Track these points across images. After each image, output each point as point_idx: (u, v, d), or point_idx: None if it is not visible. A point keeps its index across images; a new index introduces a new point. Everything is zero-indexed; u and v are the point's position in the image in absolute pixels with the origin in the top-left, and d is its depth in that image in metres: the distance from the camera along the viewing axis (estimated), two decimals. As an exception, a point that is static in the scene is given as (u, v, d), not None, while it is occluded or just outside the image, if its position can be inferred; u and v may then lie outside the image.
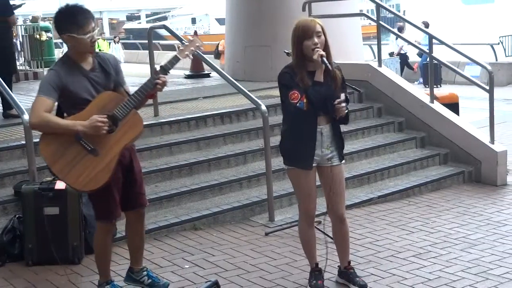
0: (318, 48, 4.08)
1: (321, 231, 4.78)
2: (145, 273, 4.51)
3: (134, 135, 4.01)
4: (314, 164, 4.27)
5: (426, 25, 15.68)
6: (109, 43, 25.31)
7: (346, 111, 4.16)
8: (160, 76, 3.98)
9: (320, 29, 4.13)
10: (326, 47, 4.17)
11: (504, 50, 17.89)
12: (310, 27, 4.12)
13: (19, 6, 8.33)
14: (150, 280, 4.49)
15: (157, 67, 4.04)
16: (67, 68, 3.95)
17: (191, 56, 4.19)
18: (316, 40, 4.10)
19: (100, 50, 21.15)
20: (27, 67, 12.96)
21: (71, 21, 3.90)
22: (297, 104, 4.07)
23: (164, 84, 4.01)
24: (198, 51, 4.23)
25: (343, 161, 4.39)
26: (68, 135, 3.85)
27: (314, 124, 4.19)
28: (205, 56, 7.95)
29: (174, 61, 4.05)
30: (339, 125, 4.32)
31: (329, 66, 4.08)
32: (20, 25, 14.55)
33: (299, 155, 4.26)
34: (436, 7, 31.91)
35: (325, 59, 4.07)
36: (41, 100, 3.84)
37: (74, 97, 3.92)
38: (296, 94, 4.07)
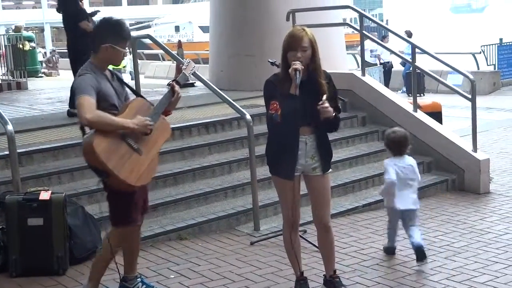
0: (295, 62, 4.06)
1: (306, 239, 4.80)
2: (139, 279, 4.53)
3: (167, 137, 4.32)
4: (297, 173, 4.28)
5: (409, 34, 15.81)
6: None
7: (334, 114, 4.16)
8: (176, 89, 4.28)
9: (306, 44, 4.11)
10: (314, 60, 4.16)
11: (486, 59, 18.06)
12: (296, 40, 4.11)
13: (94, 13, 8.53)
14: (144, 287, 4.51)
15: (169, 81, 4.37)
16: (97, 73, 4.12)
17: (190, 76, 4.55)
18: (299, 54, 4.10)
19: None
20: (10, 77, 12.87)
21: (118, 33, 4.15)
22: (273, 115, 4.09)
23: (179, 95, 4.30)
24: (192, 73, 4.59)
25: (330, 170, 4.40)
26: (115, 134, 3.98)
27: (293, 135, 4.18)
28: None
29: (183, 77, 4.41)
30: (327, 134, 4.33)
31: (296, 82, 4.03)
32: (3, 35, 14.47)
33: (281, 165, 4.27)
34: (424, 16, 32.08)
35: (297, 73, 4.03)
36: (88, 99, 3.94)
37: (104, 101, 4.06)
38: (275, 105, 4.07)
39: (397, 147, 5.23)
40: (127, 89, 4.39)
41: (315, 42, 4.18)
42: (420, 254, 5.02)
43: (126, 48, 4.26)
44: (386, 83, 16.34)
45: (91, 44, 4.23)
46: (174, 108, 4.40)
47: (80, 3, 8.60)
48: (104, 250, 4.31)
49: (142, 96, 4.36)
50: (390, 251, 5.35)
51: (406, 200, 5.11)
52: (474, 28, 17.65)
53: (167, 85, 4.34)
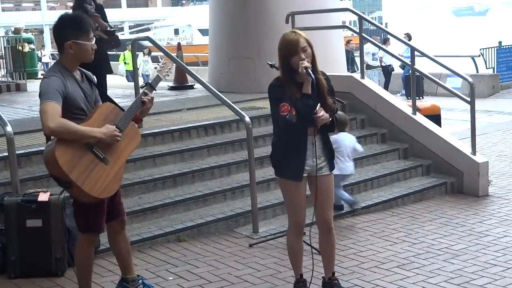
0: (302, 61, 4.10)
1: (306, 243, 4.79)
2: (140, 281, 4.50)
3: (136, 145, 4.17)
4: (304, 175, 4.29)
5: (409, 37, 15.82)
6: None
7: (330, 118, 4.19)
8: (146, 95, 4.12)
9: (305, 43, 4.15)
10: (312, 59, 4.19)
11: (485, 62, 18.07)
12: (294, 44, 4.14)
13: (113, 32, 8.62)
14: None
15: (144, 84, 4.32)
16: (65, 76, 3.97)
17: (167, 76, 4.38)
18: (302, 55, 4.12)
19: (125, 62, 20.76)
20: (9, 79, 12.86)
21: (76, 27, 3.97)
22: (287, 117, 4.10)
23: (151, 101, 4.14)
24: (169, 73, 4.45)
25: (333, 170, 4.42)
26: (81, 143, 3.86)
27: (304, 136, 4.22)
28: (188, 67, 7.97)
29: (157, 80, 4.28)
30: (327, 134, 4.35)
31: (312, 77, 4.10)
32: (2, 37, 14.46)
33: (290, 166, 4.28)
34: (426, 19, 32.16)
35: (309, 70, 4.10)
36: (53, 105, 3.79)
37: (71, 105, 3.93)
38: (286, 107, 4.09)
39: (340, 125, 6.24)
40: (97, 91, 4.24)
41: (310, 40, 4.21)
42: (353, 204, 6.50)
43: (92, 40, 4.00)
44: (386, 86, 16.34)
45: (57, 45, 4.07)
46: (145, 115, 4.25)
47: (90, 6, 8.60)
48: (76, 261, 4.28)
49: (112, 101, 4.28)
50: (338, 208, 6.32)
51: (347, 168, 6.36)
52: (477, 31, 17.68)
53: (141, 87, 4.28)
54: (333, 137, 5.80)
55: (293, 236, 4.45)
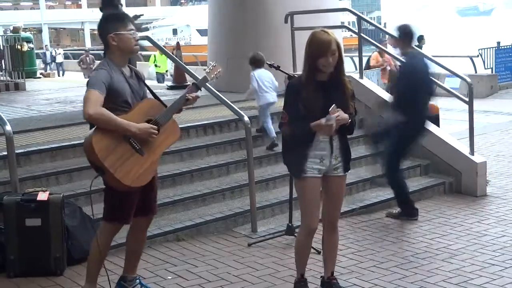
0: (331, 119, 4.05)
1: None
2: (137, 281, 4.53)
3: (173, 140, 4.32)
4: (320, 175, 4.29)
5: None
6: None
7: (350, 120, 4.21)
8: (192, 94, 4.28)
9: (335, 47, 4.12)
10: (341, 61, 4.19)
11: (484, 62, 18.08)
12: (326, 45, 4.10)
13: (138, 16, 8.71)
14: None
15: (190, 84, 4.42)
16: (114, 70, 4.10)
17: (215, 79, 4.57)
18: (330, 59, 4.11)
19: (156, 65, 20.64)
20: (8, 78, 12.87)
21: (115, 20, 4.16)
22: (280, 128, 4.30)
23: (195, 99, 4.30)
24: (218, 76, 4.55)
25: (349, 170, 4.43)
26: (118, 133, 3.97)
27: (310, 134, 4.19)
28: (187, 67, 7.98)
29: (204, 81, 4.40)
30: (346, 135, 4.36)
31: (326, 126, 4.07)
32: (1, 36, 14.46)
33: (292, 161, 4.30)
34: (430, 19, 32.11)
35: (329, 124, 4.06)
36: (95, 94, 3.93)
37: (116, 98, 4.04)
38: (285, 116, 4.22)
39: (257, 63, 7.43)
40: (145, 88, 4.37)
41: (339, 42, 4.20)
42: (272, 141, 7.17)
43: (131, 28, 4.16)
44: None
45: (103, 42, 4.25)
46: (190, 104, 4.39)
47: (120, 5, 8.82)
48: (93, 249, 4.30)
49: (157, 97, 4.35)
50: (273, 145, 7.12)
51: (268, 97, 7.36)
52: (481, 31, 17.67)
53: (187, 87, 4.36)
54: (251, 75, 7.39)
55: (303, 236, 4.44)
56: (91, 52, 25.33)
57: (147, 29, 49.06)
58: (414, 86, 6.12)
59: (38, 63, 28.07)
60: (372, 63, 14.17)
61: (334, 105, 4.10)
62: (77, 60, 21.70)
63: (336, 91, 4.20)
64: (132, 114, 4.07)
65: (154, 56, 19.95)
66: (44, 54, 29.82)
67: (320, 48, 4.12)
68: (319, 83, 4.19)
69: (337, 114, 4.10)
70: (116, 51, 4.15)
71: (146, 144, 4.06)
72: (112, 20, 4.19)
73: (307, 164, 4.24)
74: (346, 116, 4.16)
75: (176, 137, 4.34)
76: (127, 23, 4.16)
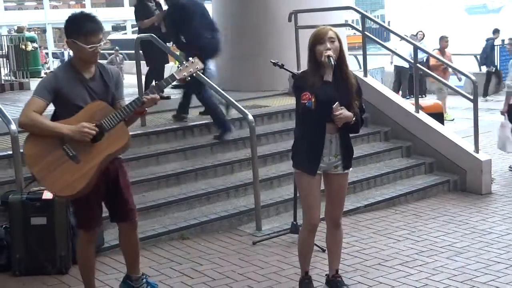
0: (327, 50, 4.12)
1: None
2: (144, 280, 4.51)
3: (118, 147, 4.00)
4: (319, 171, 4.30)
5: (423, 35, 15.95)
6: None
7: (354, 118, 4.20)
8: (148, 94, 4.00)
9: (333, 35, 4.17)
10: (341, 54, 4.21)
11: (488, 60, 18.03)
12: (322, 33, 4.18)
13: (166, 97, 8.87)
14: (149, 287, 4.50)
15: (153, 84, 4.11)
16: (66, 73, 4.00)
17: (189, 78, 4.19)
18: (328, 45, 4.14)
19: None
20: (13, 78, 12.90)
21: (77, 28, 3.95)
22: (306, 104, 4.10)
23: (152, 101, 4.01)
24: (197, 73, 4.27)
25: (350, 169, 4.43)
26: (54, 139, 3.87)
27: (322, 131, 4.20)
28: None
29: (170, 79, 4.11)
30: (348, 133, 4.36)
31: (332, 63, 4.10)
32: (6, 36, 14.49)
33: (305, 159, 4.28)
34: (438, 17, 31.95)
35: (332, 59, 4.10)
36: (33, 101, 3.88)
37: (67, 103, 3.94)
38: (307, 95, 4.10)
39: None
40: (122, 92, 4.19)
41: (340, 38, 4.23)
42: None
43: (98, 43, 3.93)
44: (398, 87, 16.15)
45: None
46: (147, 107, 4.09)
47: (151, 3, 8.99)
48: (78, 259, 4.34)
49: (120, 104, 4.11)
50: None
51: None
52: (490, 29, 17.58)
53: (143, 94, 4.06)
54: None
55: (305, 233, 4.45)
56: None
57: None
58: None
59: (56, 63, 28.11)
60: (432, 62, 12.83)
61: (337, 102, 4.11)
62: (107, 61, 21.38)
63: (341, 89, 4.19)
64: (76, 117, 3.90)
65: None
66: (62, 53, 29.41)
67: (316, 36, 4.19)
68: (324, 82, 4.18)
69: (340, 112, 4.10)
70: (75, 56, 4.02)
71: (84, 151, 3.88)
72: (75, 25, 3.96)
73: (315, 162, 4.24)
74: (349, 114, 4.16)
75: (122, 143, 4.00)
76: (89, 34, 3.91)
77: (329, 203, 4.44)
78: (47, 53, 31.31)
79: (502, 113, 8.50)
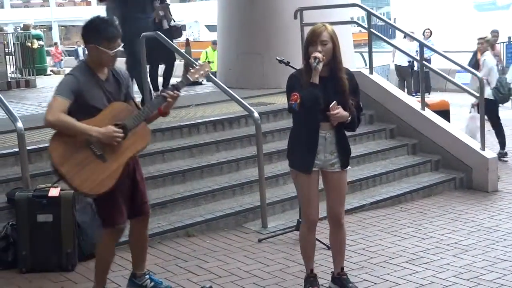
0: (315, 52, 4.11)
1: (317, 239, 4.80)
2: (147, 276, 4.55)
3: (142, 146, 4.17)
4: (315, 169, 4.30)
5: (430, 33, 15.89)
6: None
7: (350, 118, 4.20)
8: (169, 92, 4.14)
9: (326, 38, 4.16)
10: (335, 55, 4.20)
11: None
12: (316, 34, 4.17)
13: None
14: (152, 283, 4.53)
15: (170, 86, 4.26)
16: (84, 76, 4.06)
17: (200, 80, 4.43)
18: (319, 48, 4.14)
19: (208, 61, 20.10)
20: (19, 75, 12.92)
21: (99, 33, 4.03)
22: (292, 105, 4.11)
23: (174, 97, 4.14)
24: (205, 75, 4.46)
25: (348, 167, 4.42)
26: (79, 138, 3.93)
27: (315, 129, 4.22)
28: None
29: (184, 81, 4.24)
30: (344, 131, 4.36)
31: (316, 69, 4.09)
32: (12, 33, 14.51)
33: (300, 158, 4.30)
34: (446, 15, 31.71)
35: (317, 61, 4.08)
36: (58, 100, 3.93)
37: (86, 105, 4.01)
38: (295, 96, 4.10)
39: None
40: (132, 92, 4.32)
41: (336, 38, 4.22)
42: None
43: (117, 48, 4.06)
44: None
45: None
46: (169, 109, 4.24)
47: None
48: (98, 255, 4.36)
49: (134, 101, 4.27)
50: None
51: None
52: (499, 26, 17.46)
53: (160, 92, 4.22)
54: None
55: (305, 230, 4.46)
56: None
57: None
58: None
59: (69, 60, 27.99)
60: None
61: (335, 102, 4.12)
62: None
63: (334, 88, 4.19)
64: (99, 118, 3.99)
65: (206, 52, 18.95)
66: (76, 51, 29.18)
67: (310, 37, 4.19)
68: (311, 84, 4.15)
69: (337, 111, 4.11)
70: (94, 60, 4.10)
71: (109, 150, 3.97)
72: (97, 30, 4.05)
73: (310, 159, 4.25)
74: (345, 113, 4.18)
75: (145, 142, 4.19)
76: (112, 39, 4.04)
77: (329, 201, 4.44)
78: (64, 51, 31.12)
79: (473, 105, 8.80)
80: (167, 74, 9.25)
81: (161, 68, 9.36)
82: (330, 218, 4.48)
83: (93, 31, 4.06)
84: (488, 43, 9.76)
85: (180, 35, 9.56)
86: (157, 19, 9.02)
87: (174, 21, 9.20)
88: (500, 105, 9.17)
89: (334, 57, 4.20)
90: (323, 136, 4.25)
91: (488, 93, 8.37)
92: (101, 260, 4.35)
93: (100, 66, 4.11)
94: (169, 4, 9.45)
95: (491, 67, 8.84)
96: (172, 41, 8.67)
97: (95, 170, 3.94)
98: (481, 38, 9.90)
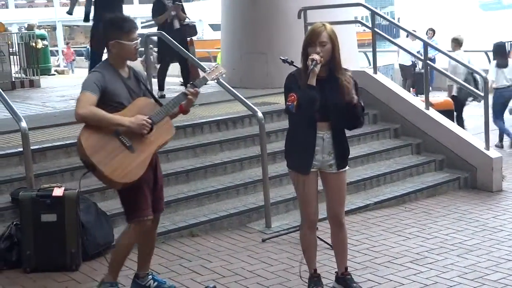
0: (313, 54, 4.10)
1: (319, 238, 4.81)
2: (150, 276, 4.57)
3: (167, 138, 4.30)
4: (314, 169, 4.30)
5: (434, 32, 15.90)
6: None
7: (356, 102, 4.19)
8: (189, 89, 4.30)
9: (325, 39, 4.14)
10: (334, 56, 4.18)
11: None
12: (315, 35, 4.15)
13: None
14: (156, 283, 4.54)
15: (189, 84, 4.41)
16: (109, 72, 4.18)
17: (216, 81, 4.59)
18: (318, 49, 4.12)
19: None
20: (23, 75, 12.94)
21: (119, 28, 4.17)
22: (289, 106, 4.10)
23: (194, 94, 4.30)
24: (221, 77, 4.66)
25: (347, 167, 4.41)
26: (108, 130, 4.04)
27: (312, 130, 4.22)
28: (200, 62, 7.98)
29: (203, 80, 4.41)
30: (344, 131, 4.34)
31: (311, 70, 4.08)
32: (16, 33, 14.53)
33: (297, 159, 4.30)
34: (452, 14, 31.57)
35: (314, 63, 4.07)
36: (87, 95, 4.04)
37: (111, 100, 4.12)
38: (293, 97, 4.08)
39: None
40: (151, 89, 4.44)
41: (336, 38, 4.19)
42: None
43: (134, 38, 4.20)
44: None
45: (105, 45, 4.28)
46: (189, 107, 4.40)
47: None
48: (120, 246, 4.35)
49: (154, 97, 4.39)
50: None
51: None
52: (505, 25, 17.36)
53: (185, 86, 4.35)
54: None
55: (305, 230, 4.46)
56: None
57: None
58: None
59: (79, 60, 27.96)
60: None
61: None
62: (141, 59, 21.19)
63: (332, 89, 4.18)
64: (126, 112, 4.12)
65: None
66: (87, 50, 29.20)
67: (309, 37, 4.18)
68: (309, 85, 4.12)
69: (350, 87, 4.12)
70: (116, 56, 4.23)
71: (137, 141, 4.10)
72: (117, 27, 4.20)
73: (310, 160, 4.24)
74: (354, 96, 4.16)
75: (169, 136, 4.32)
76: (131, 31, 4.20)
77: (328, 202, 4.43)
78: (76, 50, 31.04)
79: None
80: (186, 73, 9.41)
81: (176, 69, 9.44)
82: (330, 219, 4.48)
83: (112, 28, 4.19)
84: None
85: (194, 33, 9.67)
86: (169, 19, 9.03)
87: (189, 19, 9.23)
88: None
89: (333, 58, 4.19)
90: (321, 137, 4.24)
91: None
92: (122, 252, 4.35)
93: (122, 61, 4.25)
94: (182, 4, 9.44)
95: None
96: (185, 40, 8.74)
97: (125, 160, 4.05)
98: None
